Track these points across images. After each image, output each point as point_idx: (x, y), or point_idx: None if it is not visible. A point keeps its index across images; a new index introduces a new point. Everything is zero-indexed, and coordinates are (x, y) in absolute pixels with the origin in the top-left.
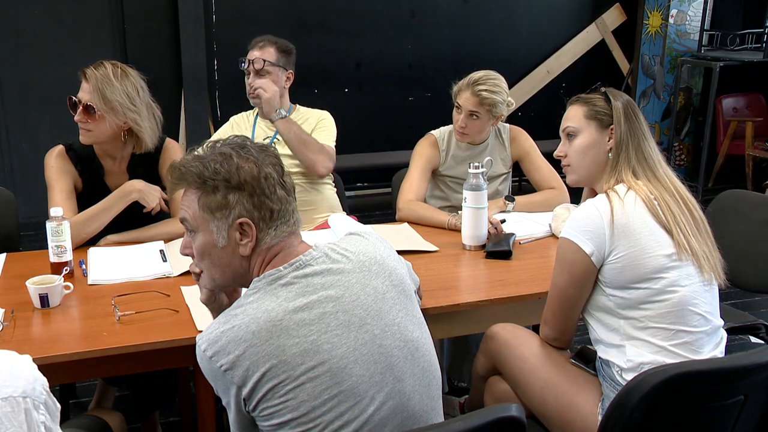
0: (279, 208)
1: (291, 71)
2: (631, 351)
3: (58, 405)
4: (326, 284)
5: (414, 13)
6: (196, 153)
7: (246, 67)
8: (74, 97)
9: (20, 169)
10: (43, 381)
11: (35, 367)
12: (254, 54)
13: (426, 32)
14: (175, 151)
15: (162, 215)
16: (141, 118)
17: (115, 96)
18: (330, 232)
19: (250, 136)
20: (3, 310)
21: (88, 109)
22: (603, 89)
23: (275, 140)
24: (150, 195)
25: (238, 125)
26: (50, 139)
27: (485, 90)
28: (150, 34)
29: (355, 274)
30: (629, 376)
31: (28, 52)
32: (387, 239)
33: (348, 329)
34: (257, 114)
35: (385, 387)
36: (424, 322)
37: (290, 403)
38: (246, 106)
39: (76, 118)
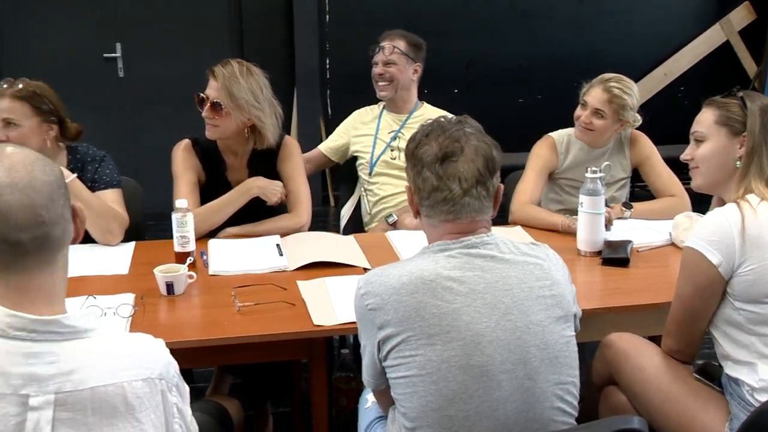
0: None
1: (419, 64)
2: (763, 370)
3: (188, 388)
4: (485, 267)
5: (526, 13)
6: None
7: (377, 52)
8: (202, 94)
9: (144, 161)
10: (175, 365)
11: (168, 351)
12: (385, 42)
13: (538, 33)
14: (293, 148)
15: (281, 210)
16: (264, 115)
17: (241, 93)
18: None
19: (373, 130)
20: (134, 295)
21: (216, 106)
22: (740, 93)
23: (399, 135)
24: (271, 191)
25: (362, 119)
26: (173, 134)
27: (617, 88)
28: (266, 34)
29: (516, 269)
30: (762, 397)
31: (152, 52)
32: None
33: (492, 311)
34: (383, 107)
35: (514, 380)
36: (575, 347)
37: (419, 359)
38: (358, 103)
39: (203, 114)
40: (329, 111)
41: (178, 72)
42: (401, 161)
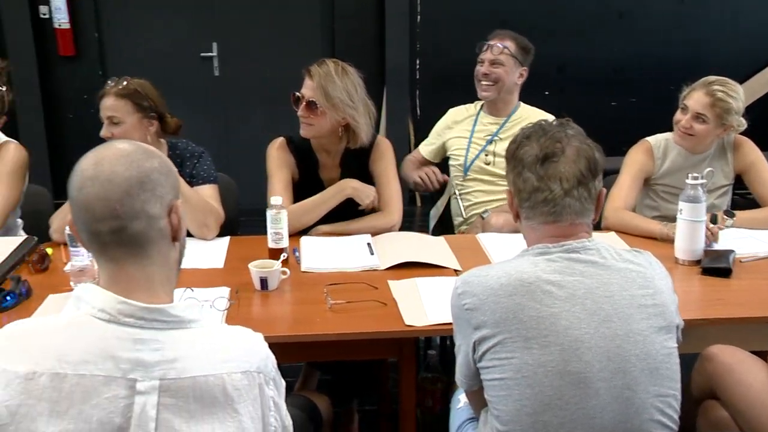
0: None
1: (525, 69)
2: None
3: (284, 382)
4: (586, 273)
5: (623, 14)
6: None
7: (484, 50)
8: (297, 93)
9: (237, 158)
10: (273, 359)
11: (266, 345)
12: (494, 41)
13: (635, 34)
14: (386, 147)
15: (372, 210)
16: (358, 115)
17: (337, 93)
18: None
19: (468, 131)
20: (229, 289)
21: (311, 105)
22: None
23: (495, 139)
24: (365, 193)
25: (456, 118)
26: (265, 132)
27: (721, 91)
28: (357, 33)
29: (618, 276)
30: None
31: (247, 51)
32: None
33: (591, 317)
34: (480, 108)
35: (613, 389)
36: (677, 360)
37: (514, 362)
38: (446, 104)
39: (299, 113)
40: (418, 111)
41: (270, 71)
42: (496, 167)
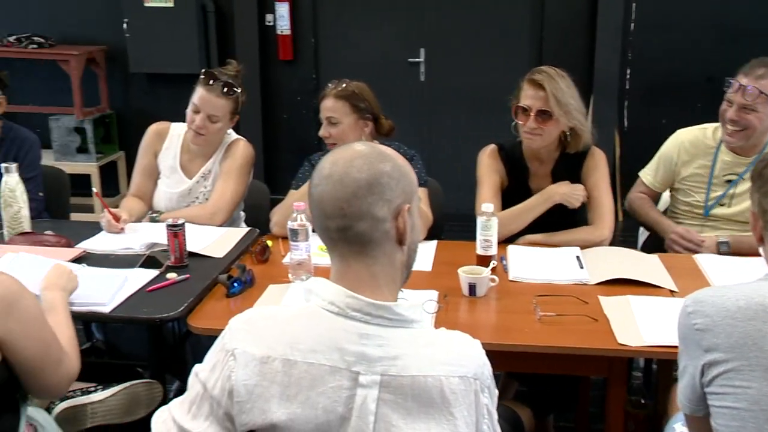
0: None
1: None
2: None
3: (497, 392)
4: None
5: None
6: None
7: (734, 90)
8: (523, 105)
9: (438, 162)
10: (489, 367)
11: (484, 352)
12: (748, 81)
13: None
14: (600, 158)
15: (582, 221)
16: (583, 118)
17: (566, 99)
18: None
19: (707, 167)
20: (437, 292)
21: (543, 114)
22: None
23: (741, 180)
24: (573, 196)
25: (688, 147)
26: (467, 137)
27: None
28: (566, 40)
29: None
30: None
31: (452, 58)
32: None
33: None
34: (721, 141)
35: None
36: None
37: (751, 392)
38: (657, 117)
39: (528, 124)
40: (625, 123)
41: (475, 78)
42: (733, 207)
